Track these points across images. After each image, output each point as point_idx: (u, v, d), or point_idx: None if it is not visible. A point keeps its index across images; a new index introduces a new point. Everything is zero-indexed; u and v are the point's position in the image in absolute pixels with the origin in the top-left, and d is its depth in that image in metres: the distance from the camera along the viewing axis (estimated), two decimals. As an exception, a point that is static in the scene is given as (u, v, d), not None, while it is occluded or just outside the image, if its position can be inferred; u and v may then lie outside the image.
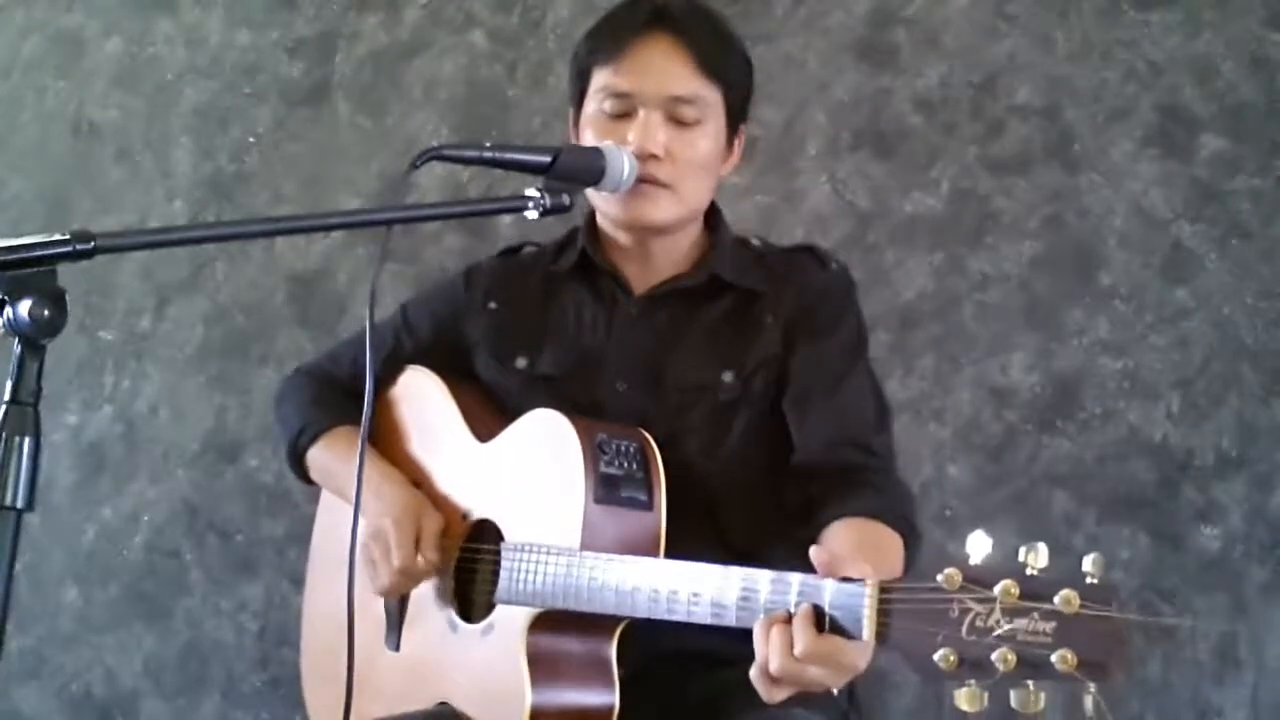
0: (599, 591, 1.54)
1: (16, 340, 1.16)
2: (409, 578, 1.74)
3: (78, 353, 3.41)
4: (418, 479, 1.85)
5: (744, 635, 1.40)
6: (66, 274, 1.18)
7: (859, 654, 1.33)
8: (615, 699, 1.60)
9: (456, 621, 1.75)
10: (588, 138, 1.76)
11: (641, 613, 1.50)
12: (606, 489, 1.61)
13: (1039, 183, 2.70)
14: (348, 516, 1.66)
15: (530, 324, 1.86)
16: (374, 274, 1.54)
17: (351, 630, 1.54)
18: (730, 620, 1.42)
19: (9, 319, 1.15)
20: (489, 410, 1.85)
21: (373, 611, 1.83)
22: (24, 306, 1.15)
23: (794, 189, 2.86)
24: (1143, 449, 2.56)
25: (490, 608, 1.69)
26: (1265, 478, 2.49)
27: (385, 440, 1.92)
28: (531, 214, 1.57)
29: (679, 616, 1.47)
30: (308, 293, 3.27)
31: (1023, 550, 1.22)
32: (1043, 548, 1.22)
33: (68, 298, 1.17)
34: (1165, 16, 2.65)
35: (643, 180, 1.70)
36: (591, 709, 1.60)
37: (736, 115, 1.80)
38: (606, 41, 1.76)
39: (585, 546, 1.58)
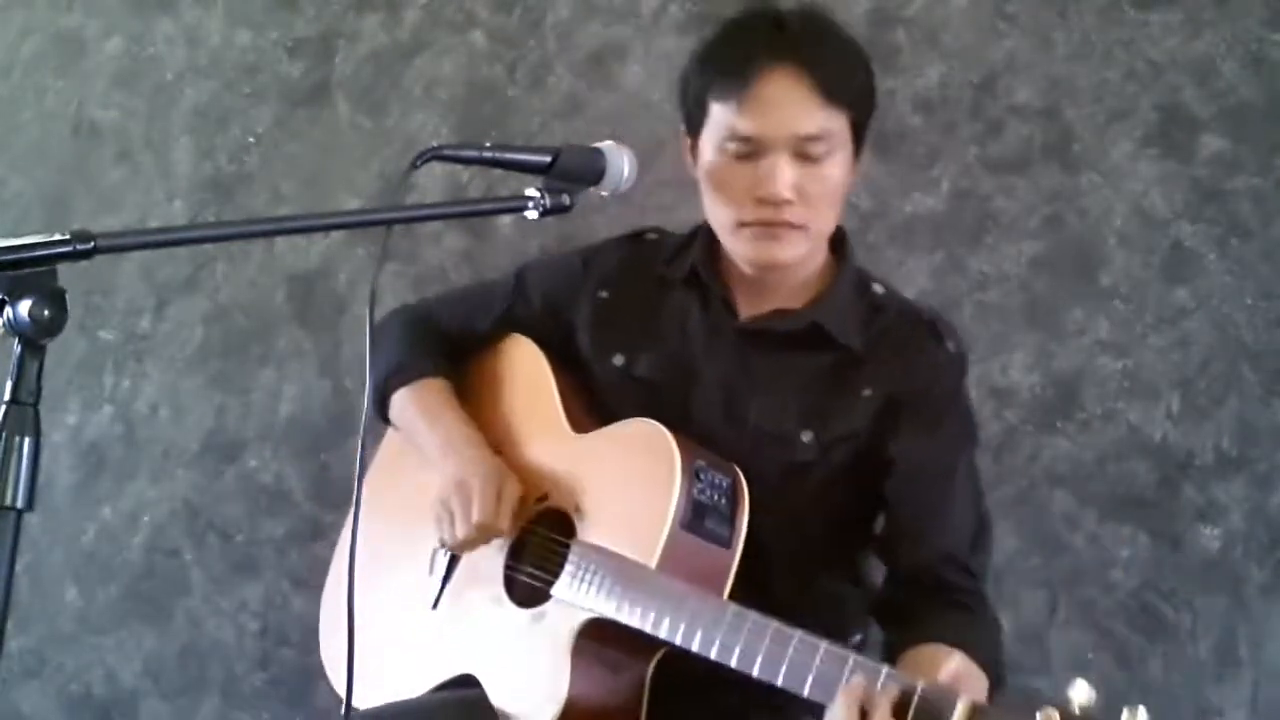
0: (667, 623, 1.52)
1: (16, 340, 1.15)
2: (484, 534, 1.71)
3: (78, 353, 3.41)
4: (500, 447, 1.82)
5: None
6: (66, 274, 1.18)
7: None
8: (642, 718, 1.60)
9: (503, 598, 1.72)
10: (712, 178, 1.71)
11: (709, 655, 1.49)
12: (695, 517, 1.58)
13: (1039, 183, 2.69)
14: (416, 467, 1.74)
15: (634, 322, 1.83)
16: (374, 274, 1.53)
17: (351, 625, 1.52)
18: (802, 690, 1.42)
19: (9, 319, 1.15)
20: (586, 401, 1.82)
21: (417, 565, 1.81)
22: (24, 306, 1.14)
23: (794, 189, 2.85)
24: (1143, 449, 2.56)
25: (538, 594, 1.68)
26: (1265, 478, 2.49)
27: (477, 402, 1.89)
28: (531, 214, 1.57)
29: (746, 669, 1.46)
30: (308, 293, 3.27)
31: (1125, 711, 1.22)
32: (1143, 712, 1.21)
33: (68, 298, 1.17)
34: (1165, 16, 2.65)
35: (774, 224, 1.65)
36: None
37: (863, 132, 1.73)
38: (724, 73, 1.67)
39: (661, 568, 1.56)
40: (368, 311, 1.56)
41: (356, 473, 1.58)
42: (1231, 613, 2.47)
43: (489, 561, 1.75)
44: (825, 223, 1.71)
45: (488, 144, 1.57)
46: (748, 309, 1.77)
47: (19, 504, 1.13)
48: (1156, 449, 2.55)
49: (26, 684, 3.34)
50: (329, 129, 3.31)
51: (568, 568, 1.64)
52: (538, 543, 1.75)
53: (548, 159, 1.57)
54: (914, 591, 1.69)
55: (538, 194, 1.56)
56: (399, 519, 1.85)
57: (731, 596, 1.55)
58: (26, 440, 1.14)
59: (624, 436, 1.71)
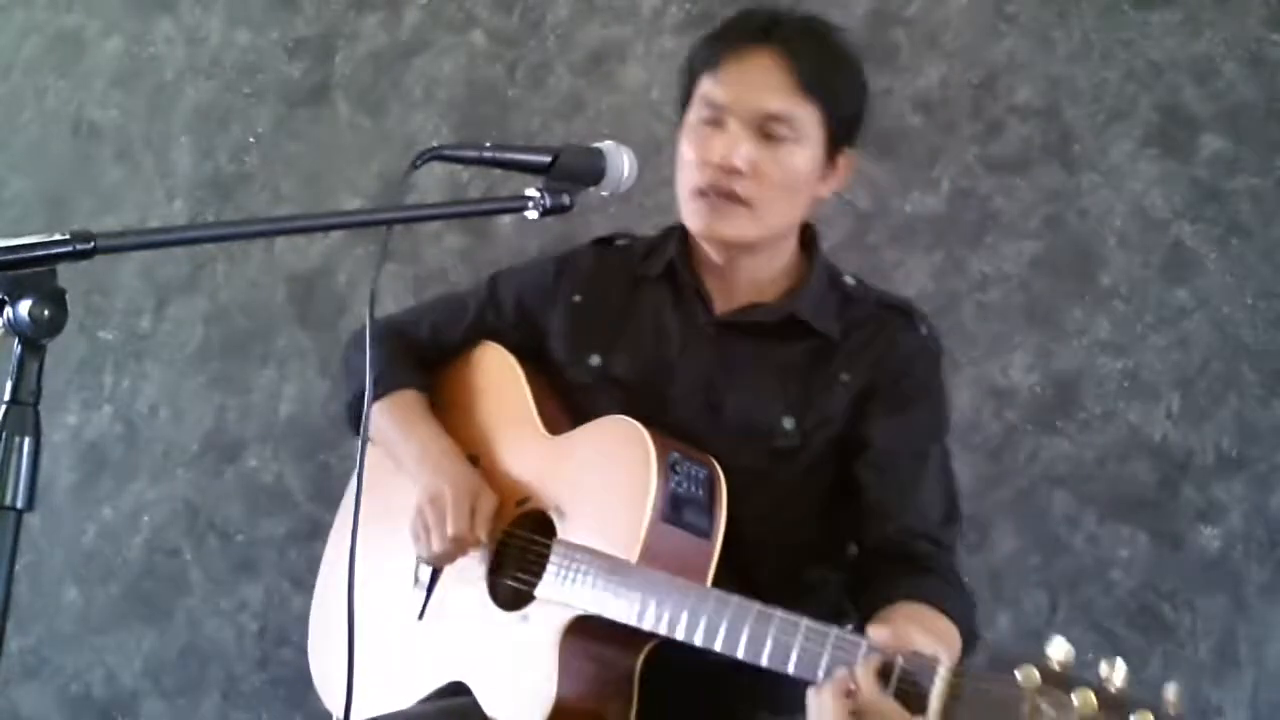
0: (651, 612, 1.53)
1: (16, 340, 1.15)
2: (459, 547, 1.73)
3: (78, 353, 3.41)
4: (476, 454, 1.84)
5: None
6: (66, 274, 1.18)
7: None
8: (632, 715, 1.60)
9: (488, 603, 1.73)
10: (684, 144, 1.75)
11: (694, 641, 1.50)
12: (673, 509, 1.60)
13: (1039, 183, 2.69)
14: (393, 478, 1.73)
15: (609, 323, 1.84)
16: (374, 274, 1.53)
17: (351, 628, 1.52)
18: (787, 668, 1.42)
19: (9, 319, 1.14)
20: (560, 403, 1.84)
21: (399, 577, 1.82)
22: (24, 306, 1.14)
23: (794, 189, 2.85)
24: (1143, 449, 2.56)
25: (522, 596, 1.69)
26: (1265, 478, 2.49)
27: (451, 411, 1.90)
28: (531, 214, 1.57)
29: (731, 652, 1.46)
30: (308, 293, 3.27)
31: (1103, 664, 1.21)
32: (1121, 664, 1.22)
33: (68, 298, 1.17)
34: (1165, 16, 2.65)
35: (720, 194, 1.69)
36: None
37: (839, 137, 1.75)
38: (713, 50, 1.75)
39: (642, 561, 1.57)
40: (368, 311, 1.56)
41: (357, 473, 1.59)
42: (1231, 613, 2.47)
43: (472, 568, 1.76)
44: (775, 209, 1.72)
45: (488, 144, 1.56)
46: (723, 303, 1.79)
47: (19, 504, 1.13)
48: (1156, 449, 2.55)
49: (26, 684, 3.34)
50: (329, 129, 3.31)
51: (550, 568, 1.65)
52: (519, 546, 1.76)
53: (548, 159, 1.56)
54: (882, 562, 1.69)
55: (538, 194, 1.55)
56: (380, 531, 1.84)
57: (716, 587, 1.55)
58: (26, 440, 1.14)
59: (599, 434, 1.72)
